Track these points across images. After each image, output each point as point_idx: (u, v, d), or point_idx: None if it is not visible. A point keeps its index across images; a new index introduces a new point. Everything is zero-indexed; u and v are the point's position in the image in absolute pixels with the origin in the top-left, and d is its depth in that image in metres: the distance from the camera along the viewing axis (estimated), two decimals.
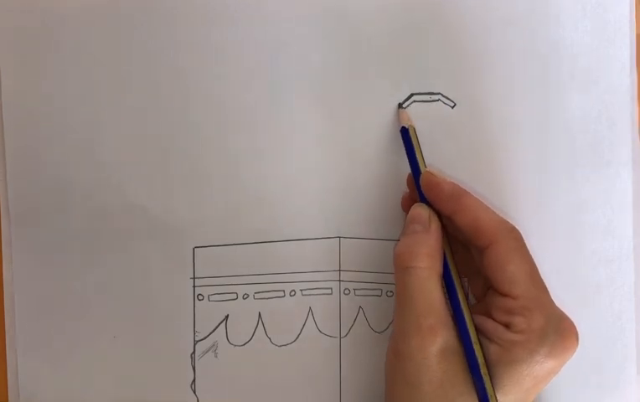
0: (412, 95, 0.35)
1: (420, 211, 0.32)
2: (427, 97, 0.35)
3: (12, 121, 0.35)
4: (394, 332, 0.31)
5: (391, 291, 0.36)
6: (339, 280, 0.36)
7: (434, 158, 0.36)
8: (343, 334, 0.36)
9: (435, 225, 0.31)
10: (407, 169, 0.35)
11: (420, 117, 0.35)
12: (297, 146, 0.35)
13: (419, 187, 0.33)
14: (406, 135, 0.34)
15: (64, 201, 0.35)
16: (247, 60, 0.35)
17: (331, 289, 0.36)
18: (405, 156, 0.34)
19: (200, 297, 0.36)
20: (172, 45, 0.35)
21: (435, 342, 0.29)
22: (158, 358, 0.36)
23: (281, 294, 0.36)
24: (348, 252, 0.36)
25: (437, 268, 0.30)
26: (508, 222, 0.31)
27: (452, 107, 0.35)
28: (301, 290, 0.36)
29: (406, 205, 0.35)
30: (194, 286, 0.36)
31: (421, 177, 0.33)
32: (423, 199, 0.33)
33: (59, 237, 0.35)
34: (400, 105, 0.35)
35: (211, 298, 0.36)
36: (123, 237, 0.35)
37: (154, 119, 0.35)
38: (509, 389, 0.29)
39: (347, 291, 0.36)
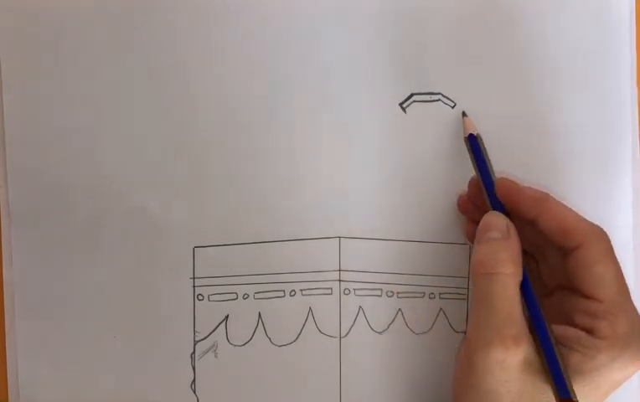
0: (412, 95, 0.35)
1: (496, 219, 0.31)
2: (427, 97, 0.35)
3: (13, 121, 0.35)
4: (469, 341, 0.30)
5: (391, 291, 0.36)
6: (339, 280, 0.36)
7: (434, 158, 0.36)
8: (343, 334, 0.36)
9: (513, 232, 0.31)
10: (407, 169, 0.35)
11: (420, 117, 0.35)
12: (297, 146, 0.35)
13: (490, 194, 0.32)
14: (475, 142, 0.34)
15: (64, 201, 0.35)
16: (247, 60, 0.35)
17: (331, 289, 0.36)
18: (405, 156, 0.34)
19: (200, 297, 0.36)
20: (173, 45, 0.35)
21: (517, 354, 0.28)
22: (158, 358, 0.36)
23: (281, 294, 0.36)
24: (348, 252, 0.36)
25: (519, 275, 0.30)
26: (596, 225, 0.30)
27: (452, 107, 0.35)
28: (301, 290, 0.36)
29: (465, 207, 0.35)
30: (194, 286, 0.36)
31: (497, 185, 0.32)
32: (496, 206, 0.32)
33: (59, 237, 0.35)
34: (400, 105, 0.35)
35: (211, 298, 0.36)
36: (123, 237, 0.35)
37: (154, 119, 0.35)
38: (587, 394, 0.28)
39: (347, 291, 0.36)
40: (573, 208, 0.31)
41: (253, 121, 0.35)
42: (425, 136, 0.35)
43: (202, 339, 0.36)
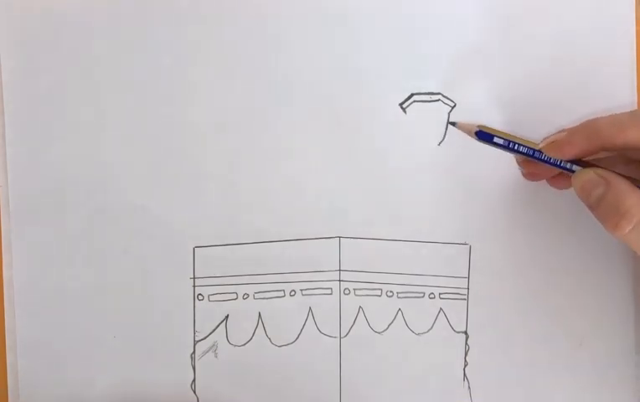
0: (412, 95, 0.35)
1: (585, 177, 0.31)
2: (427, 97, 0.35)
3: (13, 120, 0.35)
4: None
5: (391, 291, 0.36)
6: (339, 280, 0.36)
7: (434, 158, 0.36)
8: (343, 334, 0.36)
9: (607, 174, 0.30)
10: (407, 169, 0.35)
11: (420, 117, 0.35)
12: (297, 146, 0.35)
13: (550, 161, 0.32)
14: (486, 135, 0.33)
15: (64, 201, 0.35)
16: (247, 60, 0.35)
17: (331, 289, 0.36)
18: (405, 156, 0.34)
19: (200, 297, 0.36)
20: (173, 45, 0.35)
21: None
22: (158, 358, 0.36)
23: (281, 294, 0.36)
24: (348, 252, 0.36)
25: None
26: (638, 109, 0.30)
27: (452, 107, 0.35)
28: (301, 290, 0.36)
29: (533, 176, 0.34)
30: (194, 286, 0.36)
31: (546, 152, 0.32)
32: (568, 166, 0.32)
33: (59, 237, 0.35)
34: (400, 105, 0.35)
35: (211, 298, 0.36)
36: (123, 237, 0.35)
37: (154, 119, 0.35)
38: None
39: (347, 291, 0.36)
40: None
41: (253, 121, 0.35)
42: (425, 136, 0.35)
43: (202, 339, 0.36)
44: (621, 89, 0.36)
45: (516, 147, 0.33)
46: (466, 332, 0.36)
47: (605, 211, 0.30)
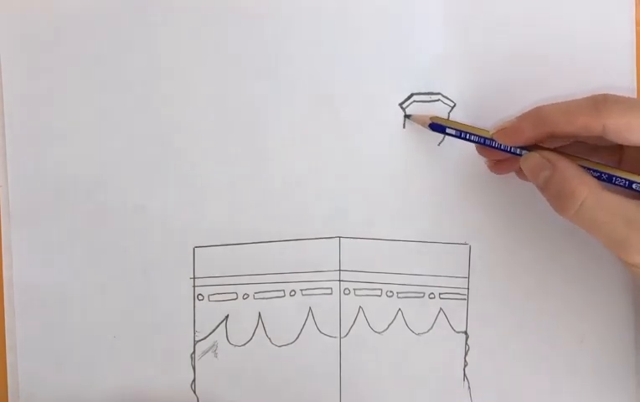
0: (412, 95, 0.35)
1: (532, 161, 0.31)
2: (427, 97, 0.35)
3: (13, 120, 0.35)
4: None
5: (391, 291, 0.36)
6: (339, 280, 0.36)
7: (434, 158, 0.36)
8: (343, 334, 0.36)
9: (552, 156, 0.30)
10: (407, 169, 0.35)
11: None
12: (297, 146, 0.35)
13: (502, 148, 0.32)
14: (439, 126, 0.33)
15: (64, 201, 0.35)
16: (247, 60, 0.35)
17: (331, 289, 0.36)
18: (405, 156, 0.34)
19: (200, 297, 0.36)
20: (172, 45, 0.35)
21: None
22: (158, 358, 0.36)
23: (281, 294, 0.36)
24: (348, 252, 0.36)
25: (594, 184, 0.29)
26: (588, 97, 0.30)
27: (452, 107, 0.35)
28: (301, 290, 0.36)
29: (498, 167, 0.34)
30: (194, 286, 0.36)
31: (496, 139, 0.32)
32: (517, 151, 0.32)
33: (59, 237, 0.35)
34: (400, 105, 0.35)
35: (211, 298, 0.36)
36: (123, 237, 0.35)
37: (154, 119, 0.35)
38: None
39: (347, 291, 0.36)
40: None
41: (253, 121, 0.35)
42: (425, 136, 0.35)
43: (202, 339, 0.36)
44: (621, 89, 0.36)
45: (467, 136, 0.33)
46: (466, 332, 0.36)
47: (552, 193, 0.30)
